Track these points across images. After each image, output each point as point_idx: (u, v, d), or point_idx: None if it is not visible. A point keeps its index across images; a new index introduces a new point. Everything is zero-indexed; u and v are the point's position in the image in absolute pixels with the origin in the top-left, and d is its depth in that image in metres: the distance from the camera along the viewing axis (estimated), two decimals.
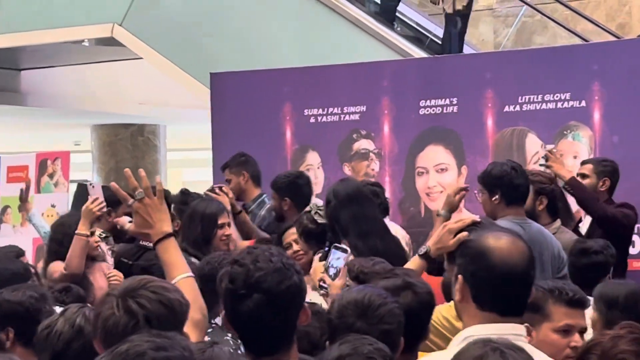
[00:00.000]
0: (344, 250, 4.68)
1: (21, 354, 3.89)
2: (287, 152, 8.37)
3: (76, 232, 6.04)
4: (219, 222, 6.10)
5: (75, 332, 3.39)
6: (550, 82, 7.57)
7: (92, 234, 6.16)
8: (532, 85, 7.63)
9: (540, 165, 6.71)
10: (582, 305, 3.85)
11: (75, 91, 14.74)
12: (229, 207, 6.57)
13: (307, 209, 5.92)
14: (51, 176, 9.74)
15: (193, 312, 3.05)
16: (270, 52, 9.72)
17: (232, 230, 6.31)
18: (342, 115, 8.22)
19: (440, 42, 9.70)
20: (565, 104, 7.52)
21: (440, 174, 7.88)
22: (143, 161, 15.80)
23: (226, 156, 7.68)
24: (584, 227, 6.87)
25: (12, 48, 11.93)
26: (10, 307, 4.10)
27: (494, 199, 5.79)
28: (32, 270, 5.72)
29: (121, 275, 5.96)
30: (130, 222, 4.86)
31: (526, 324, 3.94)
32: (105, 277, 6.07)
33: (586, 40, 9.60)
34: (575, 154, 7.48)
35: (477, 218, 4.64)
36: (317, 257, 5.59)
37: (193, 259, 5.50)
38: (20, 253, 6.47)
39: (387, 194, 7.22)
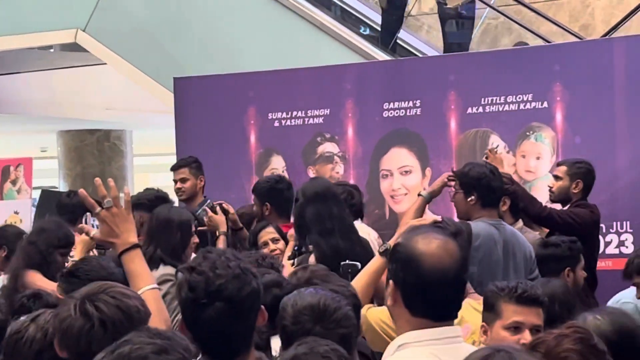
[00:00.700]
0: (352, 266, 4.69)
1: None
2: (251, 156, 8.36)
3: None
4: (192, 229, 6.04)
5: (48, 344, 3.23)
6: (512, 83, 7.60)
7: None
8: (495, 86, 7.65)
9: None
10: (532, 302, 3.87)
11: (41, 97, 14.66)
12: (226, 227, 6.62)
13: None
14: (14, 182, 9.70)
15: (158, 324, 3.05)
16: (234, 57, 9.71)
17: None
18: (306, 119, 8.22)
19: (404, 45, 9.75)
20: (528, 105, 7.54)
21: (404, 176, 7.89)
22: (109, 167, 15.74)
23: None
24: None
25: None
26: None
27: (469, 199, 5.80)
28: None
29: None
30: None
31: (483, 323, 3.99)
32: None
33: (549, 42, 9.65)
34: (538, 155, 7.51)
35: (439, 218, 4.70)
36: (286, 257, 5.62)
37: (171, 268, 5.45)
38: None
39: None
